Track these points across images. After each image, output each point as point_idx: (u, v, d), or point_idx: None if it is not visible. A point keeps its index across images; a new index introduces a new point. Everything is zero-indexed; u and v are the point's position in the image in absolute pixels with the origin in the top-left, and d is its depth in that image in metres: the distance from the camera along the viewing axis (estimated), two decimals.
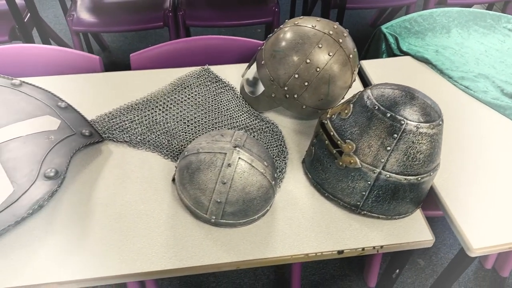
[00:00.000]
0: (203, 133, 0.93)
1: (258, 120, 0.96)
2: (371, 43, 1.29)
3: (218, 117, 0.97)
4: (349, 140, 0.71)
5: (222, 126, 0.95)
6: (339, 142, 0.73)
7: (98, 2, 1.98)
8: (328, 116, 0.76)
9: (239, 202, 0.70)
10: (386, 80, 1.07)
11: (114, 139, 0.91)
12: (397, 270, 0.89)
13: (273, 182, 0.73)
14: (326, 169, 0.77)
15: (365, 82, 1.11)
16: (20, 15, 1.73)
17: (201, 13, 1.94)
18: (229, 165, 0.68)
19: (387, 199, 0.74)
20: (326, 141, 0.75)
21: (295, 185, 0.84)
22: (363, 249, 0.75)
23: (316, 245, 0.75)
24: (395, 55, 1.21)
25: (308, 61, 0.85)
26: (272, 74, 0.90)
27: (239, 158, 0.69)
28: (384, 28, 1.23)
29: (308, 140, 0.93)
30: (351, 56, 0.87)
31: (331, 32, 0.86)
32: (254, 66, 1.05)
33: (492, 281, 1.52)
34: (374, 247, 0.75)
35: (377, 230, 0.77)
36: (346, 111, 0.72)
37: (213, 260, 0.73)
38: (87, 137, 0.88)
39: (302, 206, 0.81)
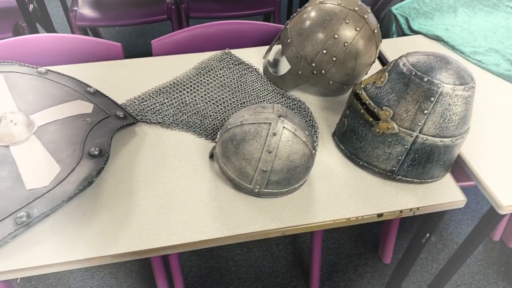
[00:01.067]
0: (232, 113, 0.95)
1: (285, 98, 0.99)
2: (381, 24, 1.33)
3: (245, 97, 0.99)
4: (386, 107, 0.75)
5: (249, 105, 0.97)
6: (375, 109, 0.76)
7: None
8: (362, 86, 0.79)
9: (284, 170, 0.73)
10: None
11: (148, 121, 0.93)
12: (428, 235, 0.93)
13: (313, 151, 0.76)
14: (361, 138, 0.81)
15: (382, 61, 1.14)
16: (27, 10, 1.72)
17: (203, 5, 1.96)
18: (274, 134, 0.71)
19: (422, 163, 0.77)
20: (362, 110, 0.79)
21: (328, 157, 0.88)
22: (400, 211, 0.79)
23: (356, 210, 0.78)
24: (405, 35, 1.25)
25: (336, 36, 0.88)
26: (299, 52, 0.93)
27: (284, 127, 0.72)
28: (394, 9, 1.27)
29: (335, 115, 0.97)
30: (375, 31, 0.91)
31: (356, 9, 0.89)
32: (275, 46, 1.08)
33: (500, 252, 1.58)
34: (411, 209, 0.79)
35: (412, 193, 0.81)
36: (381, 80, 0.76)
37: (259, 227, 0.75)
38: (122, 119, 0.90)
39: (337, 176, 0.84)
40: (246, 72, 1.06)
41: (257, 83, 1.03)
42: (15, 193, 0.73)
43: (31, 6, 1.90)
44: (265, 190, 0.76)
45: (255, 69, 1.07)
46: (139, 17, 1.90)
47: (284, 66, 1.09)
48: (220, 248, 1.57)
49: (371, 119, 0.77)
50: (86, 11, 1.91)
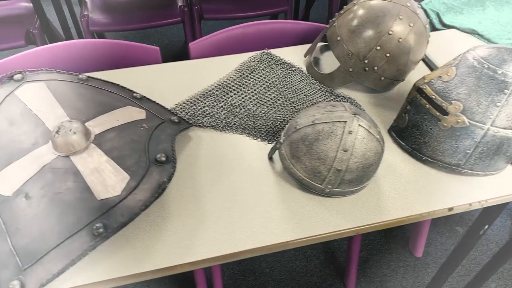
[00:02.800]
0: (284, 113, 0.94)
1: (334, 96, 0.99)
2: None
3: (294, 97, 0.98)
4: (455, 101, 0.75)
5: (299, 104, 0.97)
6: (443, 104, 0.76)
7: (110, 1, 1.95)
8: (425, 81, 0.79)
9: (358, 168, 0.73)
10: (440, 52, 1.12)
11: (201, 125, 0.91)
12: (486, 226, 0.93)
13: (384, 148, 0.76)
14: (426, 132, 0.81)
15: None
16: (45, 16, 1.69)
17: (216, 6, 1.95)
18: (350, 132, 0.71)
19: (490, 155, 0.77)
20: (427, 105, 0.79)
21: (388, 154, 0.87)
22: (470, 204, 0.79)
23: (425, 205, 0.78)
24: (435, 30, 1.25)
25: (390, 32, 0.88)
26: (351, 49, 0.92)
27: (359, 125, 0.71)
28: (424, 4, 1.28)
29: (386, 110, 0.97)
30: (426, 26, 0.91)
31: (408, 4, 0.89)
32: (313, 45, 1.07)
33: None
34: (479, 202, 0.79)
35: (478, 186, 0.81)
36: (448, 74, 0.76)
37: (333, 228, 0.75)
38: (177, 123, 0.88)
39: (401, 172, 0.84)
40: (290, 71, 1.05)
41: (303, 82, 1.02)
42: (86, 204, 0.71)
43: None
44: (337, 189, 0.76)
45: (298, 68, 1.06)
46: (153, 20, 1.87)
47: (328, 64, 1.09)
48: None
49: (438, 113, 0.77)
50: (98, 15, 1.88)
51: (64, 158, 0.78)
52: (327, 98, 0.98)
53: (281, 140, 0.79)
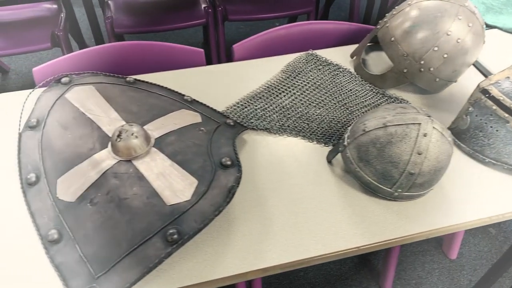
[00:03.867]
0: (338, 115, 0.93)
1: (386, 98, 0.98)
2: None
3: (345, 98, 0.97)
4: None
5: (352, 106, 0.95)
6: None
7: (133, 3, 1.94)
8: (491, 82, 0.78)
9: (431, 172, 0.71)
10: (485, 52, 1.11)
11: (255, 128, 0.90)
12: None
13: (453, 151, 0.75)
14: (491, 134, 0.79)
15: None
16: (75, 18, 1.67)
17: (240, 7, 1.94)
18: (424, 135, 0.69)
19: None
20: (493, 107, 0.77)
21: None
22: None
23: (494, 207, 0.77)
24: None
25: (449, 33, 0.87)
26: (406, 50, 0.91)
27: (433, 127, 0.70)
28: None
29: (440, 112, 0.95)
30: (483, 26, 0.90)
31: (466, 4, 0.88)
32: (361, 45, 1.06)
33: None
34: None
35: None
36: None
37: (403, 232, 0.73)
38: (233, 127, 0.87)
39: (463, 174, 0.83)
40: (337, 72, 1.04)
41: (352, 83, 1.01)
42: (155, 209, 0.70)
43: (63, 15, 1.85)
44: (406, 193, 0.74)
45: (346, 69, 1.05)
46: (178, 21, 1.86)
47: (375, 65, 1.08)
48: None
49: (506, 115, 0.76)
50: (122, 17, 1.86)
51: (126, 163, 0.77)
52: (379, 99, 0.97)
53: (345, 143, 0.78)
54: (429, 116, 0.71)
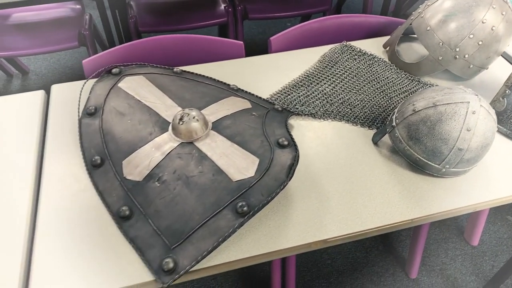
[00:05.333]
0: (378, 101, 0.98)
1: (422, 84, 1.02)
2: None
3: (383, 85, 1.02)
4: None
5: (391, 92, 1.00)
6: None
7: (155, 3, 1.99)
8: None
9: (478, 148, 0.76)
10: None
11: (300, 113, 0.95)
12: None
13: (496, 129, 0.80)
14: None
15: None
16: (106, 17, 1.71)
17: (259, 6, 1.99)
18: (473, 112, 0.74)
19: None
20: None
21: None
22: None
23: None
24: None
25: (484, 21, 0.92)
26: (442, 38, 0.96)
27: (481, 105, 0.75)
28: None
29: None
30: None
31: None
32: (395, 36, 1.11)
33: None
34: None
35: None
36: None
37: (452, 205, 0.78)
38: (281, 112, 0.92)
39: (502, 153, 0.88)
40: (373, 62, 1.09)
41: (388, 71, 1.06)
42: (222, 185, 0.74)
43: (87, 15, 1.90)
44: (453, 169, 0.79)
45: (381, 58, 1.10)
46: (199, 20, 1.91)
47: (406, 54, 1.13)
48: None
49: None
50: (145, 17, 1.91)
51: (188, 145, 0.81)
52: (415, 86, 1.02)
53: (394, 124, 0.83)
54: (476, 95, 0.76)
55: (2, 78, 2.25)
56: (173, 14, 1.94)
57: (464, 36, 0.94)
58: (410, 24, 1.05)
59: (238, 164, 0.77)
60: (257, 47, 2.52)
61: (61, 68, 2.39)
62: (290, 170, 0.75)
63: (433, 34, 0.98)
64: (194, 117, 0.81)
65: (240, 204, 0.70)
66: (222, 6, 1.96)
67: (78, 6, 1.94)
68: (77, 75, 2.33)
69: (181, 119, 0.81)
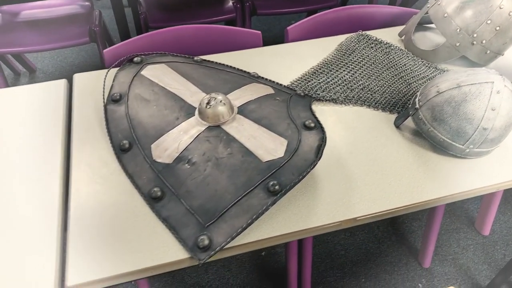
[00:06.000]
0: (398, 87, 0.99)
1: (439, 70, 1.04)
2: None
3: (401, 72, 1.03)
4: None
5: (409, 78, 1.02)
6: None
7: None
8: None
9: (502, 127, 0.78)
10: None
11: (322, 99, 0.96)
12: None
13: None
14: None
15: None
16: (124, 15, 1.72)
17: (266, 1, 2.00)
18: (498, 92, 0.76)
19: None
20: None
21: None
22: None
23: None
24: None
25: (501, 6, 0.94)
26: (459, 24, 0.98)
27: (505, 85, 0.76)
28: None
29: None
30: None
31: None
32: (411, 24, 1.12)
33: None
34: None
35: None
36: None
37: (477, 185, 0.79)
38: (303, 97, 0.93)
39: None
40: (389, 50, 1.10)
41: (405, 58, 1.08)
42: (252, 166, 0.75)
43: (97, 12, 1.91)
44: (476, 149, 0.81)
45: (397, 46, 1.11)
46: (208, 16, 1.92)
47: (421, 42, 1.14)
48: (324, 234, 1.59)
49: None
50: (154, 13, 1.92)
51: (215, 128, 0.82)
52: (433, 72, 1.04)
53: (417, 106, 0.84)
54: (501, 75, 0.77)
55: (10, 76, 2.25)
56: (182, 10, 1.95)
57: (482, 22, 0.96)
58: (426, 13, 1.07)
59: (267, 145, 0.78)
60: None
61: (68, 66, 2.39)
62: (319, 150, 0.76)
63: (450, 20, 0.99)
64: (221, 101, 0.82)
65: (271, 183, 0.72)
66: (230, 2, 1.98)
67: (87, 3, 1.95)
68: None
69: (208, 103, 0.82)
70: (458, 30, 0.99)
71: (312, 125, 0.81)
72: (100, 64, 2.40)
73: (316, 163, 0.74)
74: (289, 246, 1.25)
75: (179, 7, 1.96)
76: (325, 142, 0.78)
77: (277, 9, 1.98)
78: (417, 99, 0.85)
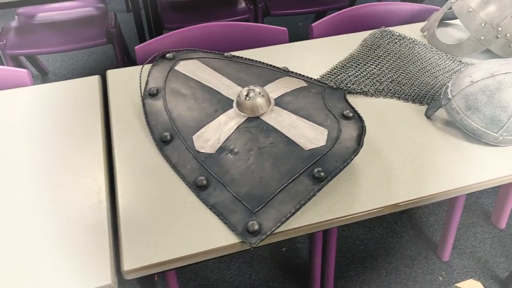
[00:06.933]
0: (426, 80, 1.02)
1: (463, 64, 1.07)
2: None
3: (427, 65, 1.06)
4: None
5: (435, 71, 1.04)
6: None
7: (178, 1, 2.03)
8: None
9: None
10: None
11: (353, 91, 0.98)
12: None
13: None
14: None
15: None
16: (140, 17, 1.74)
17: (278, 3, 2.03)
18: None
19: None
20: None
21: None
22: None
23: None
24: None
25: None
26: (484, 18, 1.01)
27: None
28: None
29: None
30: None
31: None
32: (433, 20, 1.15)
33: None
34: None
35: None
36: None
37: (508, 172, 0.82)
38: (335, 89, 0.95)
39: None
40: (413, 45, 1.13)
41: (429, 53, 1.10)
42: (295, 154, 0.77)
43: (112, 13, 1.93)
44: (509, 137, 0.83)
45: (420, 41, 1.14)
46: (222, 17, 1.95)
47: (443, 37, 1.17)
48: (343, 229, 1.61)
49: None
50: (169, 14, 1.94)
51: (255, 119, 0.84)
52: (457, 65, 1.06)
53: (449, 96, 0.87)
54: None
55: None
56: (196, 12, 1.98)
57: (506, 15, 0.98)
58: (450, 8, 1.10)
59: (307, 135, 0.80)
60: None
61: (80, 69, 2.41)
62: (360, 138, 0.78)
63: (475, 15, 1.02)
64: (259, 93, 0.85)
65: (316, 170, 0.73)
66: (244, 3, 2.01)
67: (101, 5, 1.97)
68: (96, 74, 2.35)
69: (247, 95, 0.84)
70: (482, 24, 1.01)
71: (351, 114, 0.83)
72: (111, 66, 2.42)
73: (359, 151, 0.76)
74: (314, 239, 1.27)
75: (193, 9, 1.99)
76: (365, 131, 0.80)
77: (289, 9, 2.01)
78: (449, 90, 0.88)
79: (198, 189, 0.76)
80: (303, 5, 2.02)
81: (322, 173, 0.73)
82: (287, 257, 1.52)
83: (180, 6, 2.00)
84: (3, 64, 1.84)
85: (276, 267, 1.49)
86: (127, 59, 2.07)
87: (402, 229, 1.61)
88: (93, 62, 2.46)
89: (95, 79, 1.03)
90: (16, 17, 1.90)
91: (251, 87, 0.86)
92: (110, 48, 2.52)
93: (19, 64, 2.17)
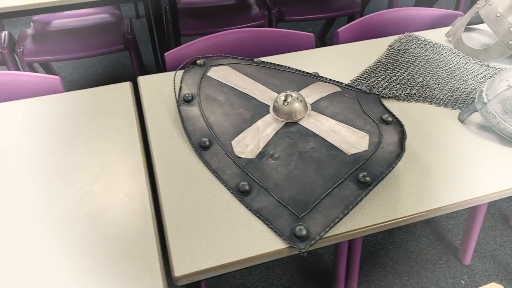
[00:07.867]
0: (455, 84, 1.02)
1: (491, 68, 1.08)
2: None
3: (455, 70, 1.07)
4: None
5: (464, 76, 1.05)
6: None
7: (193, 8, 2.04)
8: None
9: None
10: None
11: (385, 96, 0.99)
12: None
13: None
14: None
15: None
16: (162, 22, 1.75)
17: (292, 9, 2.05)
18: None
19: None
20: None
21: None
22: None
23: None
24: None
25: None
26: None
27: None
28: None
29: None
30: None
31: None
32: (459, 24, 1.16)
33: None
34: None
35: None
36: None
37: None
38: (369, 94, 0.96)
39: None
40: (439, 50, 1.14)
41: (456, 57, 1.11)
42: (338, 159, 0.77)
43: (127, 20, 1.94)
44: None
45: (446, 46, 1.15)
46: (238, 23, 1.96)
47: (469, 42, 1.18)
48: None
49: None
50: (184, 21, 1.95)
51: (293, 124, 0.84)
52: (485, 70, 1.07)
53: (485, 101, 0.87)
54: None
55: None
56: (211, 18, 1.99)
57: None
58: (477, 13, 1.11)
59: (349, 139, 0.80)
60: None
61: (92, 75, 2.42)
62: (402, 143, 0.79)
63: (503, 19, 1.03)
64: (297, 98, 0.85)
65: (361, 174, 0.74)
66: (258, 10, 2.02)
67: (116, 11, 1.98)
68: (109, 81, 2.36)
69: (285, 100, 0.85)
70: (511, 28, 1.02)
71: (390, 119, 0.84)
72: (123, 72, 2.43)
73: (402, 155, 0.77)
74: (340, 245, 1.27)
75: (209, 15, 2.00)
76: (406, 135, 0.80)
77: (303, 15, 2.02)
78: (483, 94, 0.88)
79: (241, 194, 0.76)
80: (316, 11, 2.04)
81: (367, 178, 0.73)
82: (308, 262, 1.51)
83: (195, 12, 2.01)
84: (19, 70, 1.85)
85: (298, 272, 1.49)
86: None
87: (421, 233, 1.61)
88: (104, 68, 2.47)
89: (126, 86, 1.03)
90: (32, 24, 1.91)
91: (288, 92, 0.86)
92: (121, 54, 2.54)
93: (34, 71, 2.18)
